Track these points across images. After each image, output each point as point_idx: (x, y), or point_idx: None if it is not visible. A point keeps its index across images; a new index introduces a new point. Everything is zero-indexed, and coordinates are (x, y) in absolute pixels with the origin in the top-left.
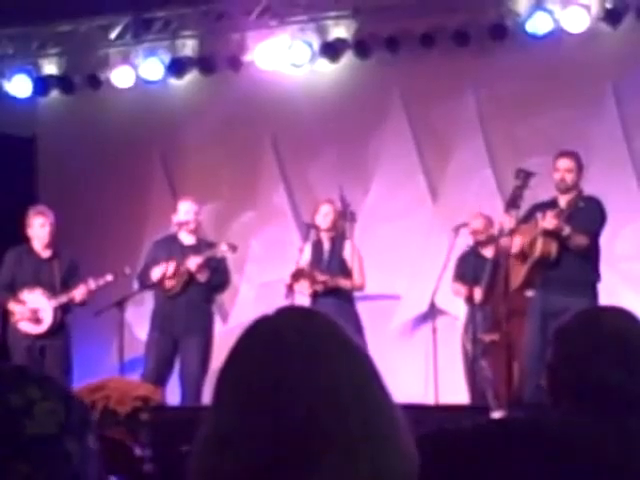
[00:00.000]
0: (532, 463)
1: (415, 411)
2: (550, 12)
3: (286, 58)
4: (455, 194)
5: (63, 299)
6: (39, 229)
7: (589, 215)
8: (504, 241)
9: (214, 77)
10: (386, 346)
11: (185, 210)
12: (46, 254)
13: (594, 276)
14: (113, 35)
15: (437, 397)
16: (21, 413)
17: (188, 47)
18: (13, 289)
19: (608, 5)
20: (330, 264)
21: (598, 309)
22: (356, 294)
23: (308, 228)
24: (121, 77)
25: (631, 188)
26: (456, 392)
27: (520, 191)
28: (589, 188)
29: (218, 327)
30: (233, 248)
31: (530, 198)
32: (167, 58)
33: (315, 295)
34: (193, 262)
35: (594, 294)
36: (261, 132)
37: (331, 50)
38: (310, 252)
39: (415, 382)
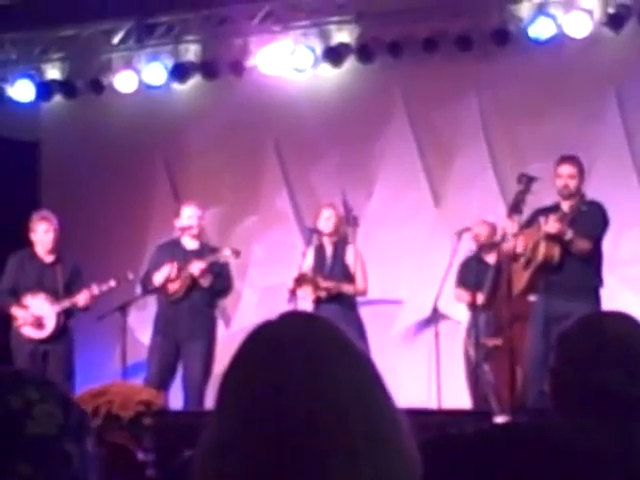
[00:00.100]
0: (535, 468)
1: (418, 416)
2: (553, 17)
3: (289, 63)
4: (458, 199)
5: (66, 304)
6: (43, 235)
7: (592, 220)
8: (506, 245)
9: (217, 82)
10: (388, 351)
11: (188, 215)
12: (49, 259)
13: (597, 281)
14: (116, 40)
15: (440, 402)
16: (21, 413)
17: (191, 52)
18: (16, 294)
19: (610, 10)
20: (333, 269)
21: (600, 314)
22: (359, 299)
23: (311, 233)
24: (124, 82)
25: (634, 192)
26: (459, 397)
27: (523, 196)
28: (592, 192)
29: (221, 331)
30: (236, 253)
31: (534, 203)
32: (170, 63)
33: (318, 301)
34: (196, 267)
35: (597, 299)
36: (264, 137)
37: (334, 55)
38: (313, 257)
39: (418, 387)
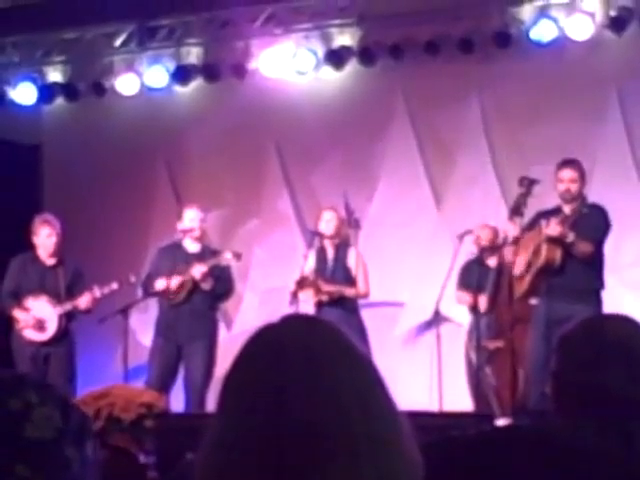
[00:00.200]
0: (536, 471)
1: (419, 418)
2: (554, 20)
3: (291, 66)
4: (459, 201)
5: (68, 307)
6: (45, 239)
7: (593, 222)
8: (507, 255)
9: (219, 85)
10: (390, 353)
11: (190, 217)
12: (51, 262)
13: (598, 284)
14: (118, 43)
15: (441, 404)
16: (20, 416)
17: (193, 55)
18: (18, 296)
19: (612, 12)
20: (334, 272)
21: (602, 317)
22: (360, 301)
23: (312, 235)
24: (126, 85)
25: (636, 194)
26: (460, 399)
27: (524, 198)
28: (593, 195)
29: (222, 334)
30: (237, 256)
31: (535, 205)
32: (172, 66)
33: (320, 305)
34: (198, 270)
35: (598, 302)
36: (266, 139)
37: (336, 58)
38: (314, 259)
39: (419, 389)
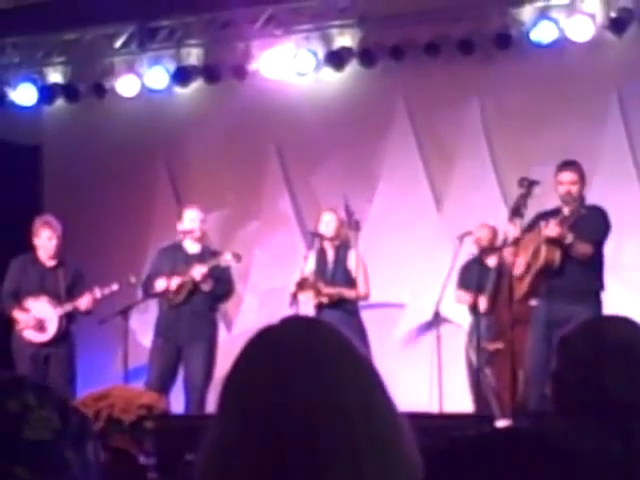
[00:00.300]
0: (536, 472)
1: (419, 419)
2: (555, 21)
3: (291, 67)
4: (459, 203)
5: (68, 307)
6: (46, 241)
7: (592, 223)
8: (507, 256)
9: (219, 86)
10: (390, 354)
11: (190, 218)
12: (51, 263)
13: (598, 285)
14: (118, 44)
15: (441, 405)
16: (18, 418)
17: (193, 56)
18: (18, 297)
19: (613, 14)
20: (334, 274)
21: (602, 318)
22: (360, 303)
23: (312, 237)
24: (126, 86)
25: (636, 197)
26: (460, 400)
27: (524, 200)
28: (594, 197)
29: (222, 335)
30: (237, 257)
31: (535, 206)
32: (172, 67)
33: (320, 307)
34: (198, 272)
35: (598, 303)
36: (266, 141)
37: (336, 59)
38: (314, 261)
39: (419, 390)
